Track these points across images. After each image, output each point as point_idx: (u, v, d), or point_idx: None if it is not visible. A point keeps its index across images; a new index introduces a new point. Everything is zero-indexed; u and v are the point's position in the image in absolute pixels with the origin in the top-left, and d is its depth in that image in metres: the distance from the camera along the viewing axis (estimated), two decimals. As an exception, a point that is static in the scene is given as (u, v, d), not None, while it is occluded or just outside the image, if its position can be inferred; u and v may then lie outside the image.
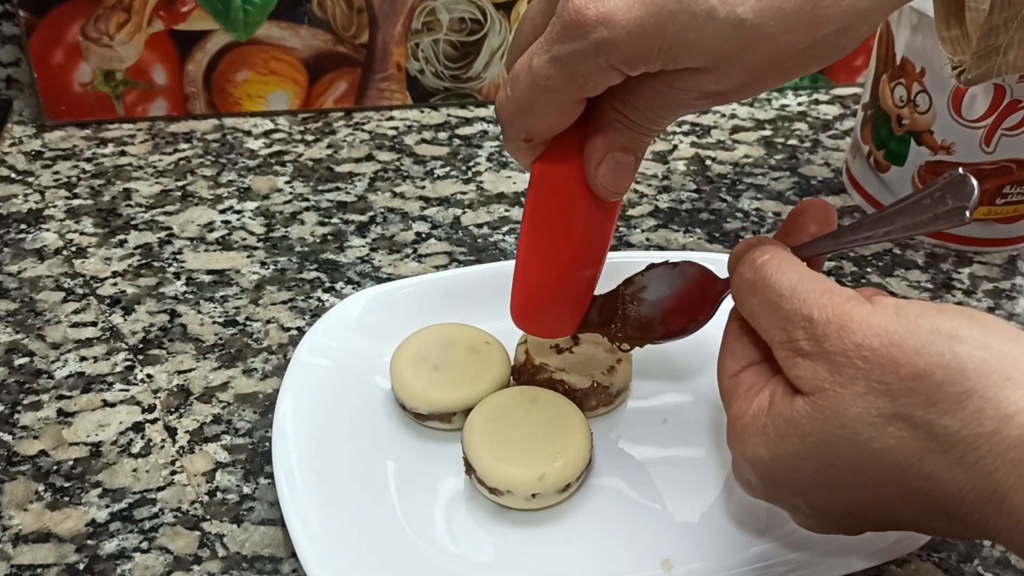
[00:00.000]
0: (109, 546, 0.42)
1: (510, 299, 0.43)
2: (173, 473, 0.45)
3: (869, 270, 0.60)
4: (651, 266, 0.44)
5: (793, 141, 0.72)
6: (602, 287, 0.44)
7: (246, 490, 0.45)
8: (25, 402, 0.48)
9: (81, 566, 0.41)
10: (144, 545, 0.42)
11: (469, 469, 0.43)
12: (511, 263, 0.52)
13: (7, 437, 0.46)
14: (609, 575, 0.41)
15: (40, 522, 0.43)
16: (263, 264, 0.57)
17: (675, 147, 0.70)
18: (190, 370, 0.50)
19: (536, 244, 0.41)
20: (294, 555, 0.41)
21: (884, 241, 0.46)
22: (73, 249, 0.57)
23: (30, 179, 0.63)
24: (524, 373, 0.48)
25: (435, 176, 0.65)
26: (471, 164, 0.67)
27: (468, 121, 0.71)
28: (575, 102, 0.35)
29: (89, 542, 0.42)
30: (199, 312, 0.54)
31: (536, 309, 0.44)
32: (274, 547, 0.42)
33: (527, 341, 0.48)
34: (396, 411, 0.48)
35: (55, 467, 0.45)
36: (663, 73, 0.33)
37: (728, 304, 0.40)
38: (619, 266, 0.46)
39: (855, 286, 0.58)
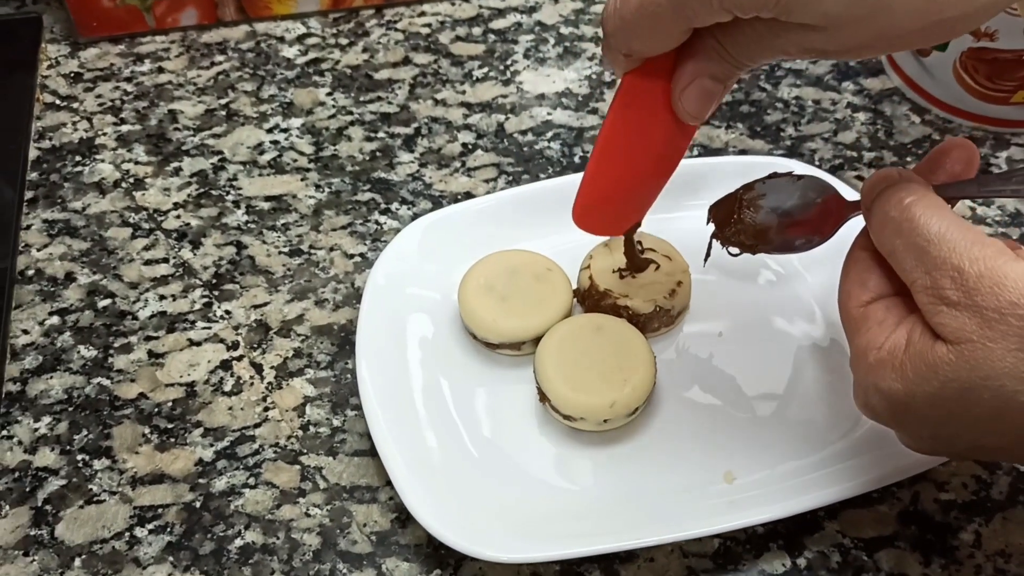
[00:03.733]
0: (219, 483, 0.46)
1: (575, 198, 0.44)
2: (266, 410, 0.48)
3: (909, 159, 0.61)
4: (773, 175, 0.43)
5: (830, 18, 0.71)
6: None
7: (336, 423, 0.48)
8: (116, 345, 0.51)
9: (197, 504, 0.45)
10: (251, 481, 0.46)
11: (543, 398, 0.47)
12: (559, 180, 0.54)
13: (106, 382, 0.49)
14: (676, 489, 0.45)
15: (152, 464, 0.46)
16: (318, 187, 0.58)
17: (711, 31, 0.70)
18: (265, 304, 0.53)
19: (612, 151, 0.42)
20: (389, 483, 0.45)
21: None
22: (131, 181, 0.58)
23: (75, 105, 0.63)
24: (588, 298, 0.50)
25: (474, 79, 0.65)
26: (508, 63, 0.66)
27: (500, 12, 0.70)
28: (682, 31, 0.36)
29: (200, 480, 0.46)
30: (264, 243, 0.55)
31: (599, 212, 0.45)
32: (369, 477, 0.46)
33: (590, 267, 0.50)
34: (467, 337, 0.50)
35: (156, 409, 0.48)
36: (774, 21, 0.33)
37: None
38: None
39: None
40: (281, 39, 0.68)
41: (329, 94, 0.64)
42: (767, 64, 0.66)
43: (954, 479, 0.47)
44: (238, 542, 0.44)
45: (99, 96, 0.64)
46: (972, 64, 0.60)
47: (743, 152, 0.61)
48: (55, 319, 0.52)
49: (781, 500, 0.43)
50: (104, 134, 0.61)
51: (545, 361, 0.47)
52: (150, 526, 0.44)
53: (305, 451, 0.47)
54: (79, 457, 0.47)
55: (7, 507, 0.45)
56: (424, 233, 0.53)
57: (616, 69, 0.39)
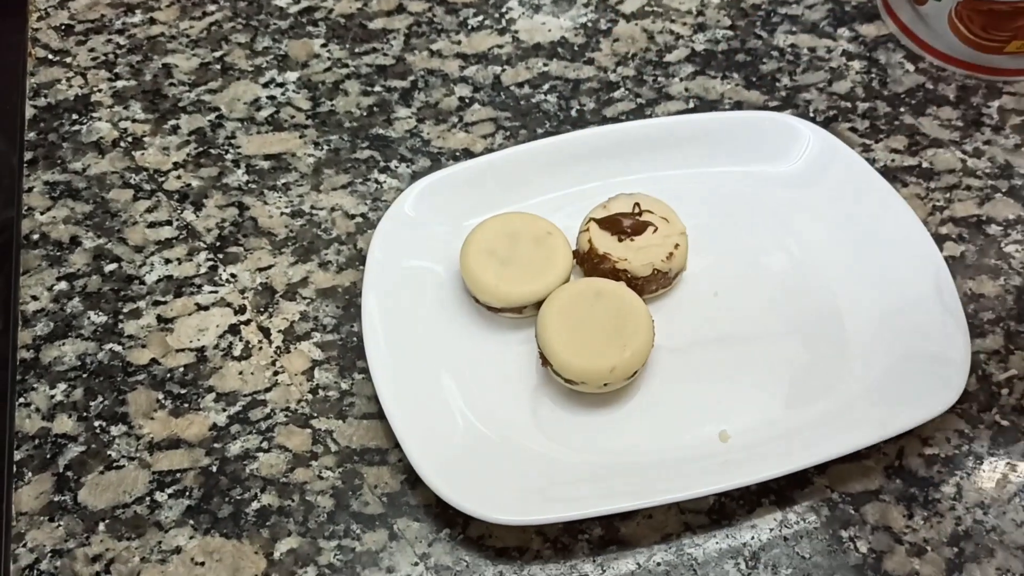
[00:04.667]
0: (234, 448, 0.48)
1: None
2: (276, 374, 0.50)
3: (902, 109, 0.62)
4: None
5: (826, -42, 0.70)
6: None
7: (344, 386, 0.50)
8: (125, 311, 0.52)
9: (214, 468, 0.47)
10: (264, 445, 0.48)
11: (545, 362, 0.48)
12: (555, 140, 0.55)
13: (118, 348, 0.51)
14: (673, 448, 0.47)
15: (168, 429, 0.48)
16: (316, 144, 0.59)
17: (707, -25, 0.69)
18: (269, 267, 0.54)
19: None
20: (397, 446, 0.47)
21: None
22: (130, 140, 0.59)
23: (68, 60, 0.62)
24: (587, 262, 0.51)
25: (469, 27, 0.65)
26: (504, 11, 0.66)
27: (494, -45, 0.69)
28: None
29: (216, 445, 0.48)
30: (265, 203, 0.56)
31: None
32: (379, 439, 0.48)
33: (589, 230, 0.51)
34: (470, 300, 0.52)
35: (168, 375, 0.50)
36: None
37: None
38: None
39: (889, 128, 0.60)
40: (273, -14, 0.67)
41: (324, 45, 0.64)
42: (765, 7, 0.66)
43: (938, 434, 0.49)
44: (255, 505, 0.46)
45: (92, 50, 0.63)
46: (967, 14, 0.60)
47: (739, 104, 0.61)
48: (63, 284, 0.53)
49: (773, 459, 0.45)
50: (99, 90, 0.61)
51: (547, 327, 0.48)
52: (169, 490, 0.46)
53: (315, 415, 0.49)
54: (96, 423, 0.48)
55: (30, 474, 0.47)
56: (424, 195, 0.53)
57: None
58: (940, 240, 0.56)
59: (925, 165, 0.59)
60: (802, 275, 0.53)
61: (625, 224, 0.51)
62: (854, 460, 0.48)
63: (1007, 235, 0.56)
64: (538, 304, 0.50)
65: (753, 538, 0.46)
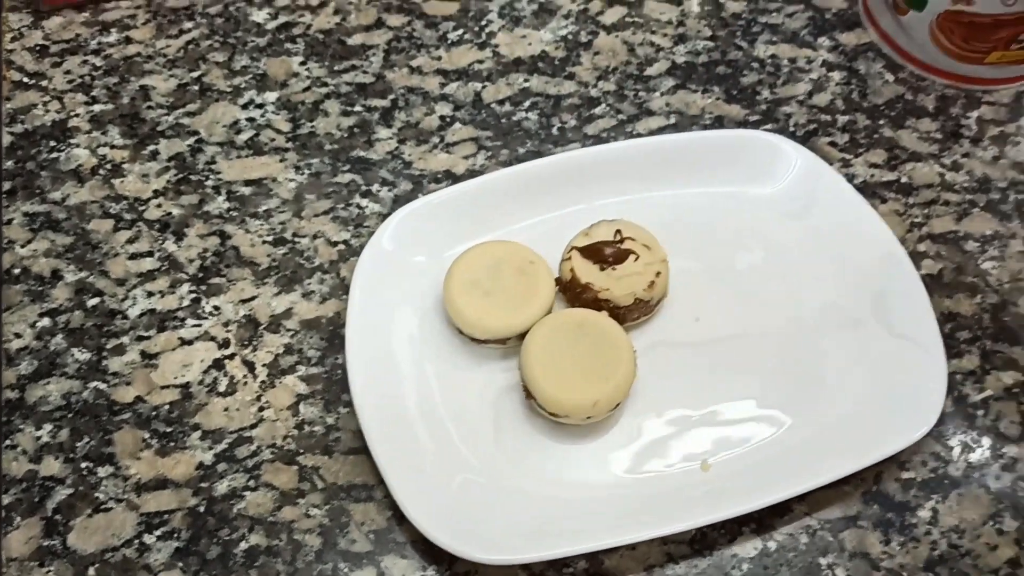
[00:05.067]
0: (221, 487, 0.48)
1: None
2: (261, 410, 0.50)
3: (882, 122, 0.62)
4: None
5: (807, -39, 0.70)
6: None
7: (329, 420, 0.50)
8: (108, 347, 0.52)
9: (202, 508, 0.48)
10: (251, 483, 0.48)
11: (529, 395, 0.49)
12: (535, 164, 0.55)
13: (103, 386, 0.51)
14: (656, 480, 0.48)
15: (155, 469, 0.49)
16: (297, 169, 0.59)
17: (688, -18, 0.69)
18: (252, 298, 0.54)
19: None
20: (383, 481, 0.47)
21: None
22: (109, 167, 0.58)
23: (44, 83, 0.62)
24: (570, 290, 0.51)
25: (449, 42, 0.65)
26: (483, 23, 0.65)
27: (473, -36, 0.68)
28: None
29: (203, 484, 0.48)
30: (247, 231, 0.56)
31: None
32: (365, 475, 0.49)
33: (571, 258, 0.52)
34: (454, 330, 0.52)
35: (153, 413, 0.50)
36: None
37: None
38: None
39: (869, 141, 0.60)
40: (249, 1, 0.66)
41: (303, 63, 0.63)
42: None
43: (915, 457, 0.50)
44: (243, 545, 0.46)
45: (68, 72, 0.62)
46: (948, 26, 0.60)
47: (719, 119, 0.61)
48: (46, 321, 0.53)
49: (755, 491, 0.46)
50: (77, 115, 0.60)
51: (530, 361, 0.48)
52: (158, 532, 0.47)
53: (301, 451, 0.49)
54: (83, 465, 0.48)
55: (19, 518, 0.47)
56: (401, 227, 0.53)
57: None
58: (918, 258, 0.56)
59: (904, 180, 0.59)
60: (782, 302, 0.53)
61: (607, 253, 0.51)
62: (833, 486, 0.49)
63: (984, 251, 0.57)
64: (522, 335, 0.50)
65: (735, 568, 0.47)
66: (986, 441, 0.50)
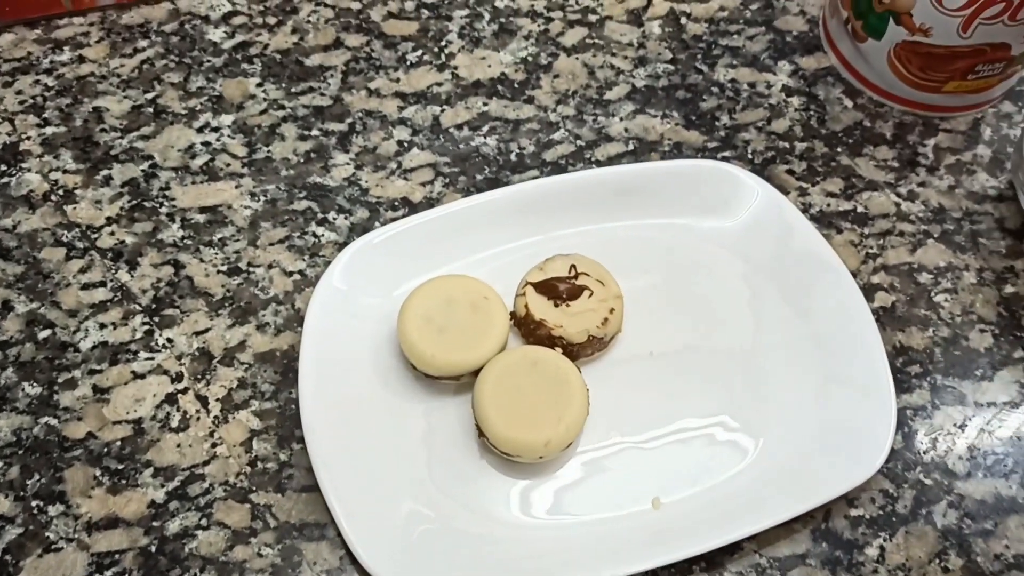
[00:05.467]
0: (173, 526, 0.48)
1: None
2: (214, 446, 0.50)
3: (840, 149, 0.62)
4: None
5: (769, -17, 0.70)
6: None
7: (283, 457, 0.50)
8: (60, 381, 0.52)
9: (153, 548, 0.47)
10: (203, 522, 0.48)
11: (481, 434, 0.49)
12: (490, 195, 0.55)
13: (53, 421, 0.50)
14: (607, 519, 0.48)
15: (106, 507, 0.48)
16: (253, 195, 0.58)
17: (649, 3, 0.68)
18: (206, 330, 0.53)
19: None
20: (335, 521, 0.47)
21: None
22: (61, 193, 0.58)
23: (-6, 104, 0.61)
24: (524, 326, 0.52)
25: (408, 63, 0.64)
26: (443, 44, 0.65)
27: (434, -18, 0.68)
28: None
29: (154, 523, 0.48)
30: (201, 261, 0.56)
31: None
32: (318, 513, 0.49)
33: (526, 294, 0.52)
34: (407, 366, 0.52)
35: (105, 449, 0.50)
36: None
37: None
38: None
39: (826, 169, 0.61)
40: (206, 19, 0.65)
41: (259, 85, 0.63)
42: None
43: (863, 494, 0.50)
44: (194, 586, 0.46)
45: (19, 92, 0.61)
46: (906, 55, 0.61)
47: (678, 145, 0.61)
48: (-4, 353, 0.52)
49: (705, 531, 0.47)
50: (28, 138, 0.60)
51: (482, 400, 0.48)
52: (108, 573, 0.47)
53: (254, 488, 0.49)
54: (33, 503, 0.48)
55: (-33, 559, 0.47)
56: (358, 257, 0.53)
57: None
58: (872, 290, 0.57)
59: (860, 209, 0.60)
60: (736, 339, 0.54)
61: (561, 289, 0.51)
62: (782, 524, 0.49)
63: (937, 283, 0.57)
64: (476, 371, 0.50)
65: (683, 606, 0.47)
66: (935, 477, 0.51)
